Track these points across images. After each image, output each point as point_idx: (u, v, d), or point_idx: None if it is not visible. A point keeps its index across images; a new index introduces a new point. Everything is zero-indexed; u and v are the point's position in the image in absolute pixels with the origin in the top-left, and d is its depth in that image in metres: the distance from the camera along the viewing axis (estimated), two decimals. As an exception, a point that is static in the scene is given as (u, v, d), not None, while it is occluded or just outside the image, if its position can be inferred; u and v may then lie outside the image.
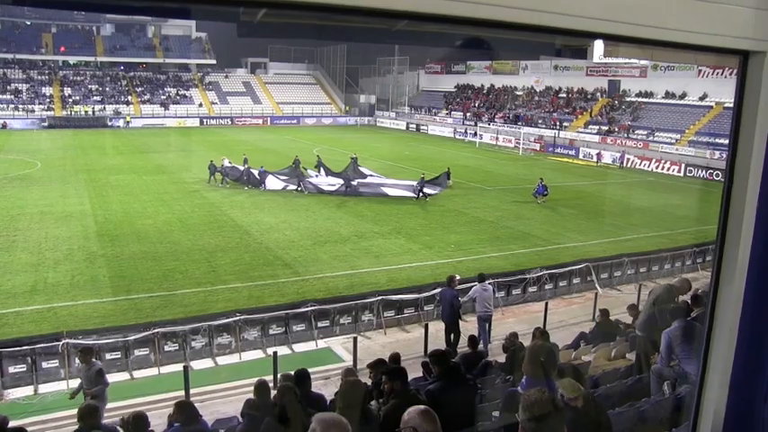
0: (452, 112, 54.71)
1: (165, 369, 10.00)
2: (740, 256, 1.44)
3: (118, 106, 53.16)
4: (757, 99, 1.32)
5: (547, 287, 13.67)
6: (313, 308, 11.25)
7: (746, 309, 1.45)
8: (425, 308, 12.24)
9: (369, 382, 5.96)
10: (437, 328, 11.06)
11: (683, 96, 39.65)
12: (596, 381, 6.67)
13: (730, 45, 1.31)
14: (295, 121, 57.50)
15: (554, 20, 1.11)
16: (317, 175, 25.69)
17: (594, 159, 36.64)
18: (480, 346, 9.21)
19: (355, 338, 10.43)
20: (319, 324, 11.28)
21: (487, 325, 10.82)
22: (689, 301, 6.15)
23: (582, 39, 1.29)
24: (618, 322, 9.89)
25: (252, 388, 5.96)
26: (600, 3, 1.13)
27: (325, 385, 8.76)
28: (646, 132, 38.83)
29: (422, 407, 2.66)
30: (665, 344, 5.28)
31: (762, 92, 1.31)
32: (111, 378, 8.38)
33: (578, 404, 4.30)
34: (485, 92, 55.57)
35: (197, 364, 10.13)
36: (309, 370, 6.22)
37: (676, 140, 36.48)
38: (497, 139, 44.31)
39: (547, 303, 12.38)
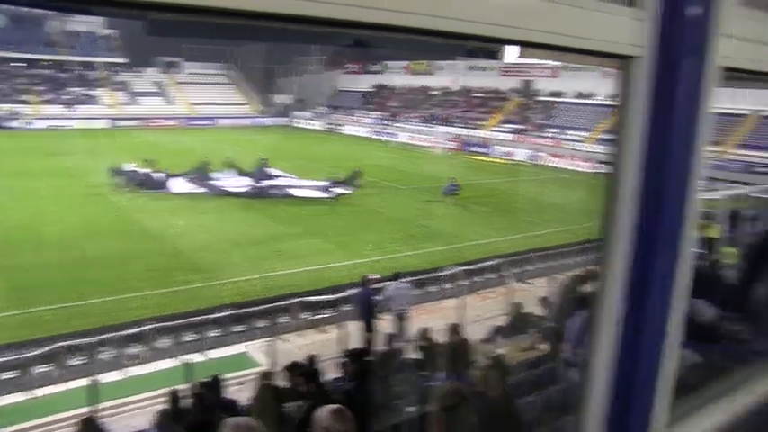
0: (369, 112, 54.96)
1: (72, 384, 9.51)
2: (620, 248, 1.51)
3: (14, 106, 49.89)
4: (635, 97, 1.40)
5: (461, 283, 13.96)
6: (228, 312, 11.05)
7: (626, 296, 1.53)
8: (342, 308, 12.23)
9: (286, 385, 5.93)
10: (354, 327, 11.11)
11: (590, 96, 41.43)
12: (510, 371, 6.88)
13: (614, 50, 1.39)
14: (210, 123, 56.03)
15: (450, 25, 1.13)
16: (225, 177, 24.90)
17: (508, 157, 37.72)
18: (396, 344, 9.31)
19: (272, 342, 10.32)
20: (235, 329, 11.09)
21: (403, 323, 10.95)
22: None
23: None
24: (530, 314, 10.21)
25: (165, 398, 5.81)
26: (498, 10, 1.17)
27: (240, 390, 8.61)
28: (557, 130, 40.33)
29: (334, 406, 2.66)
30: (569, 332, 5.51)
31: (638, 91, 1.39)
32: (10, 399, 7.91)
33: (492, 395, 4.42)
34: (401, 92, 56.16)
35: (106, 377, 9.73)
36: (225, 376, 6.12)
37: (585, 138, 38.06)
38: (413, 138, 44.88)
39: (461, 299, 12.64)
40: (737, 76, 1.71)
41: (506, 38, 1.21)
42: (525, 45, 1.28)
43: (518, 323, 10.04)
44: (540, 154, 37.08)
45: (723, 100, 31.42)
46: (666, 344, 1.57)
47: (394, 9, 1.05)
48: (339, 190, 23.53)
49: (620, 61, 1.42)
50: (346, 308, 12.19)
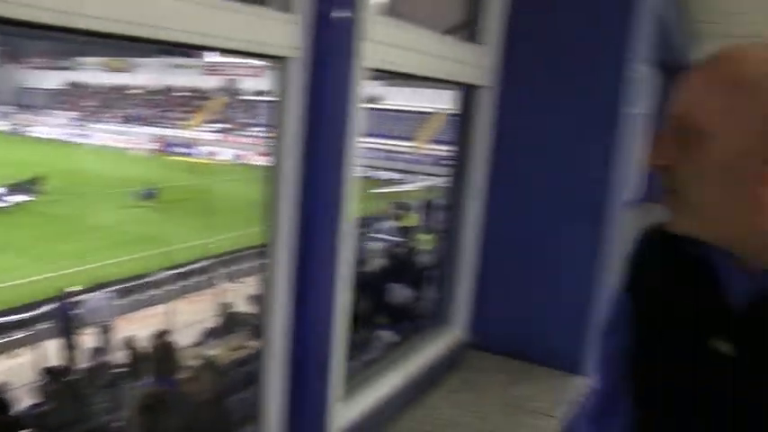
0: (63, 112, 49.73)
1: None
2: (282, 238, 1.64)
3: None
4: (291, 95, 1.53)
5: (170, 288, 13.50)
6: None
7: (292, 281, 1.67)
8: (38, 327, 10.98)
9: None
10: (54, 346, 10.08)
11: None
12: (222, 371, 6.92)
13: (273, 52, 1.49)
14: None
15: (102, 25, 1.11)
16: None
17: (213, 158, 37.26)
18: (101, 357, 8.80)
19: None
20: None
21: (108, 335, 10.31)
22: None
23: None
24: (241, 313, 10.32)
25: None
26: (150, 10, 1.18)
27: None
28: (262, 129, 40.90)
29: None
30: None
31: (293, 89, 1.53)
32: None
33: (201, 396, 4.41)
34: (98, 90, 51.86)
35: None
36: None
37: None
38: (112, 139, 41.82)
39: (170, 304, 12.24)
40: (384, 76, 1.97)
41: (164, 39, 1.23)
42: (183, 47, 1.32)
43: (229, 323, 10.12)
44: (245, 153, 37.32)
45: (417, 99, 34.97)
46: (333, 328, 1.73)
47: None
48: (17, 198, 20.86)
49: (278, 61, 1.54)
50: (43, 326, 10.94)
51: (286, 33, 1.49)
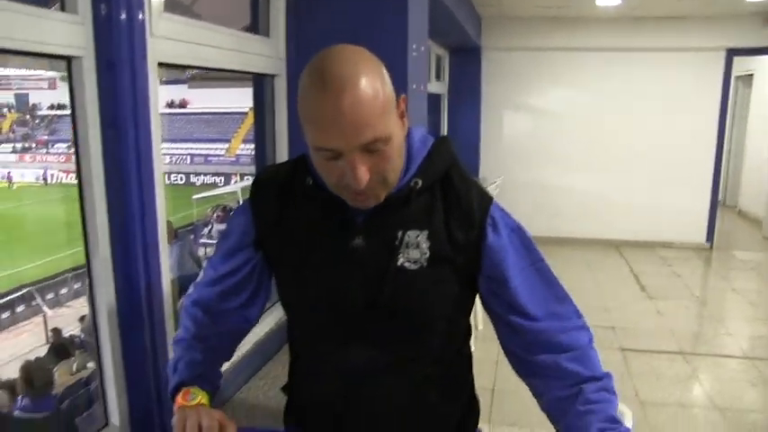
0: None
1: None
2: (100, 257, 1.71)
3: None
4: (83, 96, 1.60)
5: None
6: None
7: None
8: None
9: None
10: None
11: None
12: (63, 398, 6.60)
13: (58, 51, 1.54)
14: None
15: None
16: None
17: (13, 180, 34.13)
18: None
19: None
20: None
21: None
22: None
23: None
24: (73, 337, 9.79)
25: None
26: None
27: None
28: (66, 145, 38.06)
29: None
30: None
31: (84, 90, 1.60)
32: None
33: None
34: None
35: None
36: None
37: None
38: None
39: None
40: (187, 80, 2.07)
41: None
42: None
43: (61, 348, 9.54)
44: (51, 172, 34.65)
45: (231, 99, 34.26)
46: (163, 334, 1.85)
47: None
48: None
49: (66, 62, 1.59)
50: None
51: (70, 32, 1.52)
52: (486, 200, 1.15)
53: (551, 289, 1.15)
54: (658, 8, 6.96)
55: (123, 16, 1.61)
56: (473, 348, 1.35)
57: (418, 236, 1.10)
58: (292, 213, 1.17)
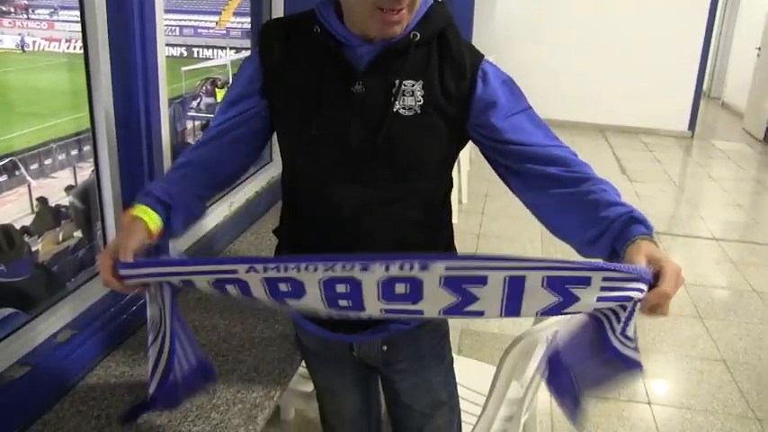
0: None
1: None
2: (105, 124, 1.76)
3: None
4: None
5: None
6: None
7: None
8: None
9: None
10: None
11: (73, -30, 38.18)
12: (49, 264, 6.79)
13: None
14: None
15: None
16: None
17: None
18: None
19: None
20: None
21: None
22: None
23: None
24: (59, 206, 9.88)
25: None
26: None
27: None
28: (49, 11, 36.54)
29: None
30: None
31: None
32: None
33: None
34: None
35: None
36: None
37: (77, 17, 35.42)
38: None
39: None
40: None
41: None
42: None
43: (47, 218, 9.67)
44: (33, 39, 33.43)
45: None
46: None
47: None
48: None
49: None
50: None
51: None
52: (478, 55, 1.25)
53: (540, 130, 1.24)
54: None
55: None
56: (456, 221, 1.44)
57: (413, 85, 1.20)
58: (297, 57, 1.24)
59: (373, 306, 1.04)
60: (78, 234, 7.87)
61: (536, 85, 8.69)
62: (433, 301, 1.01)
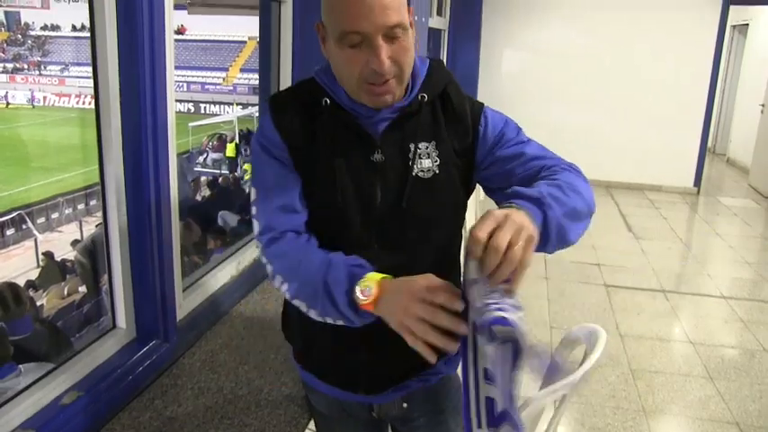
0: None
1: None
2: (114, 178, 1.80)
3: None
4: (105, 27, 1.65)
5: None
6: None
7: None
8: None
9: None
10: None
11: (84, 29, 39.20)
12: (53, 319, 6.74)
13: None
14: None
15: None
16: None
17: (3, 102, 33.63)
18: None
19: None
20: None
21: None
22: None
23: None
24: (65, 261, 9.88)
25: None
26: None
27: None
28: (60, 68, 37.39)
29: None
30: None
31: (107, 21, 1.66)
32: None
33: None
34: None
35: None
36: None
37: (90, 73, 36.14)
38: None
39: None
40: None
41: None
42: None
43: (52, 272, 9.66)
44: (43, 95, 34.12)
45: (229, 27, 33.51)
46: (170, 254, 1.94)
47: None
48: None
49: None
50: None
51: None
52: (478, 105, 1.30)
53: (543, 151, 1.29)
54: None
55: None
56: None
57: (428, 147, 1.24)
58: (314, 131, 1.25)
59: None
60: (83, 289, 7.85)
61: (541, 140, 8.75)
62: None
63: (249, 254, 2.59)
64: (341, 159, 1.22)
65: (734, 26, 10.36)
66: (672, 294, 4.76)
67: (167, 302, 1.91)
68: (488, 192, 1.33)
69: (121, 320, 1.91)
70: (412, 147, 1.23)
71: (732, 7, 7.73)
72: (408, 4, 1.17)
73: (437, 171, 1.23)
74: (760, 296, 4.86)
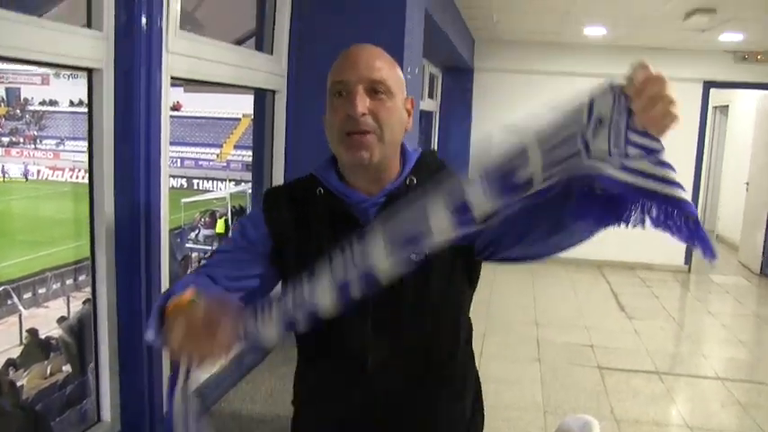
0: None
1: None
2: (105, 254, 1.79)
3: None
4: (101, 104, 1.69)
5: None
6: None
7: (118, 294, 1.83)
8: None
9: None
10: None
11: (82, 104, 39.87)
12: (34, 401, 6.57)
13: (80, 64, 1.64)
14: None
15: None
16: None
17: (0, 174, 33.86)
18: None
19: None
20: None
21: None
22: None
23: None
24: (49, 338, 9.70)
25: None
26: None
27: None
28: (55, 142, 37.83)
29: None
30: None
31: (103, 98, 1.69)
32: None
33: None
34: None
35: None
36: None
37: (85, 147, 36.47)
38: None
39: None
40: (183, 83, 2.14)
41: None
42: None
43: (35, 350, 9.46)
44: (37, 168, 34.40)
45: (224, 105, 34.18)
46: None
47: None
48: None
49: (87, 72, 1.69)
50: None
51: (94, 47, 1.63)
52: None
53: None
54: (641, 39, 7.19)
55: (143, 33, 1.72)
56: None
57: None
58: (304, 219, 1.28)
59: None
60: (67, 368, 7.67)
61: (531, 219, 8.87)
62: None
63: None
64: (329, 245, 1.20)
65: (716, 107, 10.66)
66: (667, 376, 4.70)
67: (155, 395, 1.86)
68: (504, 251, 1.25)
69: (106, 413, 1.85)
70: None
71: (712, 90, 8.01)
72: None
73: (427, 253, 1.21)
74: (757, 378, 4.79)
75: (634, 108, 0.92)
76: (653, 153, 0.94)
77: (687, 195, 0.95)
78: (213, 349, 1.02)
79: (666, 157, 0.96)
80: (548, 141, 0.97)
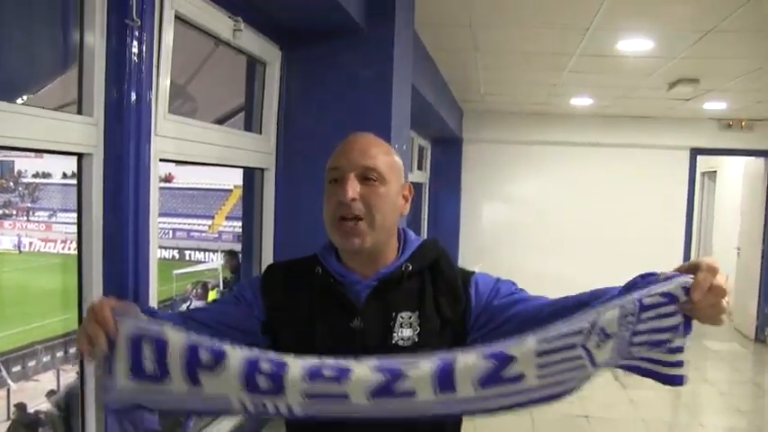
0: None
1: None
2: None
3: None
4: (90, 188, 1.73)
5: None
6: None
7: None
8: None
9: None
10: None
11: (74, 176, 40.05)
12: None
13: (72, 149, 1.70)
14: None
15: None
16: None
17: (-7, 247, 33.74)
18: None
19: None
20: None
21: None
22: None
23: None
24: (38, 412, 9.50)
25: None
26: None
27: None
28: (48, 214, 37.89)
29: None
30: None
31: (92, 183, 1.73)
32: None
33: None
34: None
35: None
36: None
37: (74, 219, 36.46)
38: None
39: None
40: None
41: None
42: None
43: (23, 427, 9.26)
44: (29, 240, 34.34)
45: (216, 176, 34.45)
46: None
47: None
48: None
49: (77, 157, 1.74)
50: None
51: (84, 133, 1.68)
52: (468, 274, 1.35)
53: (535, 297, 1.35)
54: (627, 109, 7.40)
55: (133, 118, 1.77)
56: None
57: (410, 317, 1.27)
58: (299, 296, 1.32)
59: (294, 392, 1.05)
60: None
61: (525, 287, 8.84)
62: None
63: (227, 422, 2.51)
64: (319, 324, 1.27)
65: (704, 173, 10.83)
66: (664, 448, 4.62)
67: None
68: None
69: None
70: (393, 315, 1.27)
71: (699, 156, 8.18)
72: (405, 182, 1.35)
73: (417, 340, 1.25)
74: (756, 448, 4.72)
75: (694, 301, 1.10)
76: (662, 344, 1.09)
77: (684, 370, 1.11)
78: (96, 330, 1.09)
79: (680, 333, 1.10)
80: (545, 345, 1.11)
